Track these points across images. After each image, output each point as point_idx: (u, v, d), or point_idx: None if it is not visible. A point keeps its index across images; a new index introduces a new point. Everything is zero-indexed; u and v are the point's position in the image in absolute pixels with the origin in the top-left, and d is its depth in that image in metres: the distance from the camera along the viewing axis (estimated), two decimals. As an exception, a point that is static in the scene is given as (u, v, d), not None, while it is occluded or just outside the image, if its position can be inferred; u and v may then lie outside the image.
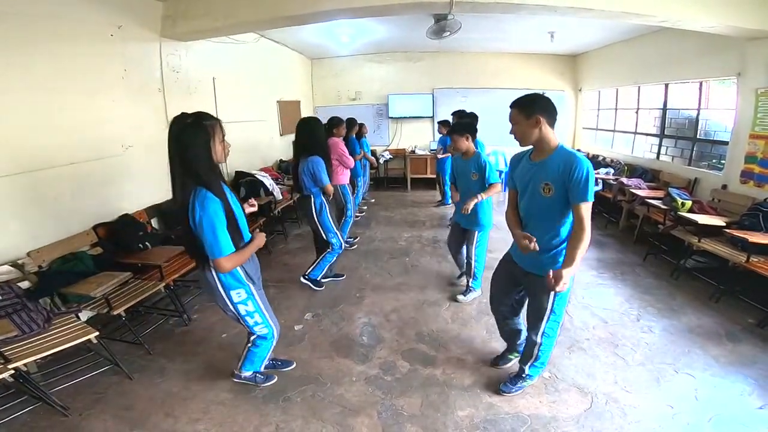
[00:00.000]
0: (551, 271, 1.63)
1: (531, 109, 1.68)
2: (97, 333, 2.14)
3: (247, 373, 2.20)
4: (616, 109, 6.11)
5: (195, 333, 2.84)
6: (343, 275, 3.69)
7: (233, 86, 4.70)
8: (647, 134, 5.33)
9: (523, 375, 2.13)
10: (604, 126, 6.57)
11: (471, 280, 3.19)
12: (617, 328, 2.79)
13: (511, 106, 1.75)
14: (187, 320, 2.96)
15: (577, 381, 2.23)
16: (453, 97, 7.17)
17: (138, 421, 2.00)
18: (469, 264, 3.15)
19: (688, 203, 3.61)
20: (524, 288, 2.00)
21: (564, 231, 1.73)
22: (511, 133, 1.77)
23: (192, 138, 1.56)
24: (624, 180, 4.68)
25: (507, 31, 5.52)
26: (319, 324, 2.93)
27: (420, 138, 7.61)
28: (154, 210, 3.48)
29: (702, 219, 3.32)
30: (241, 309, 1.85)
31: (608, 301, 3.20)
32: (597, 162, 6.10)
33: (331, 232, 3.31)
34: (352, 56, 7.29)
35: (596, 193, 5.22)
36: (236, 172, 4.50)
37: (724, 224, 3.28)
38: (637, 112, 5.51)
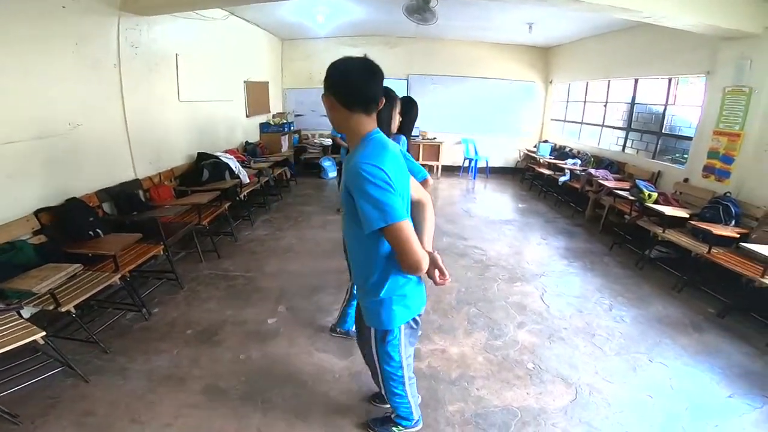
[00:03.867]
0: None
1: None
2: (43, 333, 1.89)
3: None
4: (585, 101, 6.31)
5: (156, 328, 2.62)
6: None
7: (198, 64, 4.35)
8: (614, 127, 5.57)
9: (393, 418, 1.79)
10: (573, 118, 6.78)
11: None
12: (592, 318, 2.90)
13: None
14: (147, 315, 2.72)
15: (560, 372, 2.30)
16: (427, 84, 7.11)
17: (101, 428, 1.81)
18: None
19: (654, 195, 3.81)
20: None
21: (379, 271, 1.28)
22: None
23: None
24: (592, 171, 4.88)
25: (488, 20, 5.49)
26: (294, 316, 2.80)
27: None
28: (107, 193, 3.13)
29: (668, 210, 3.52)
30: None
31: (580, 290, 3.33)
32: (564, 153, 6.32)
33: None
34: (326, 38, 7.03)
35: (566, 183, 5.60)
36: (198, 153, 4.17)
37: (688, 216, 3.50)
38: (605, 106, 5.72)
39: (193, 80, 4.21)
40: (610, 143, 5.65)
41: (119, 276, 2.48)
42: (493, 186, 7.15)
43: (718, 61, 3.75)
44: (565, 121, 6.98)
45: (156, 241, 2.95)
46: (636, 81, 5.07)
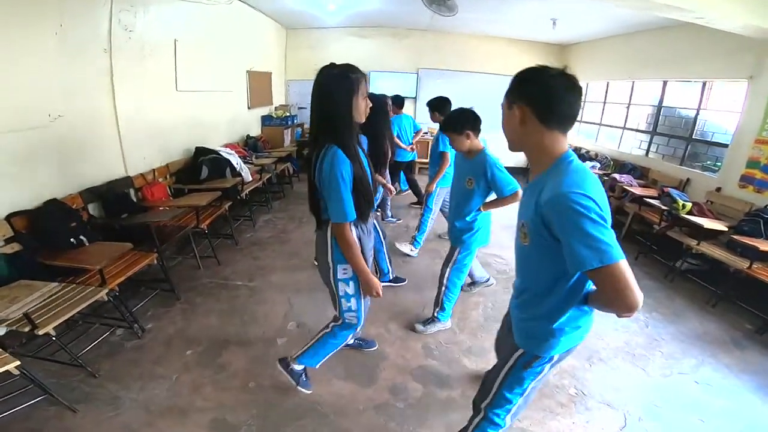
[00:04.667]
0: None
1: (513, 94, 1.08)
2: (17, 363, 1.62)
3: (299, 367, 1.97)
4: (604, 102, 6.12)
5: (151, 348, 2.36)
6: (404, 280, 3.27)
7: (198, 51, 4.05)
8: (637, 130, 5.38)
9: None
10: (589, 119, 6.60)
11: (437, 309, 2.61)
12: (629, 336, 2.73)
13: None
14: (140, 331, 2.46)
15: (604, 396, 2.14)
16: (439, 78, 6.85)
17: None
18: (439, 287, 2.57)
19: (689, 205, 3.63)
20: None
21: (556, 302, 1.13)
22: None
23: (335, 88, 1.49)
24: (616, 176, 4.68)
25: (506, 14, 5.25)
26: (307, 336, 2.53)
27: (402, 120, 7.25)
28: (93, 193, 2.83)
29: (706, 223, 3.33)
30: (341, 288, 1.73)
31: (614, 306, 3.14)
32: (581, 155, 6.12)
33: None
34: (333, 28, 6.76)
35: None
36: (196, 148, 3.86)
37: (726, 229, 3.32)
38: (628, 108, 5.53)
39: (192, 68, 3.91)
40: (632, 147, 5.47)
41: (106, 291, 2.20)
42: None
43: (764, 67, 3.57)
44: (581, 121, 6.78)
45: (149, 248, 2.68)
46: (665, 83, 4.88)
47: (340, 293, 1.73)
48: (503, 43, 6.93)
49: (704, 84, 4.35)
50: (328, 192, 1.49)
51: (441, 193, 3.61)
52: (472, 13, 5.20)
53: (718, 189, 3.93)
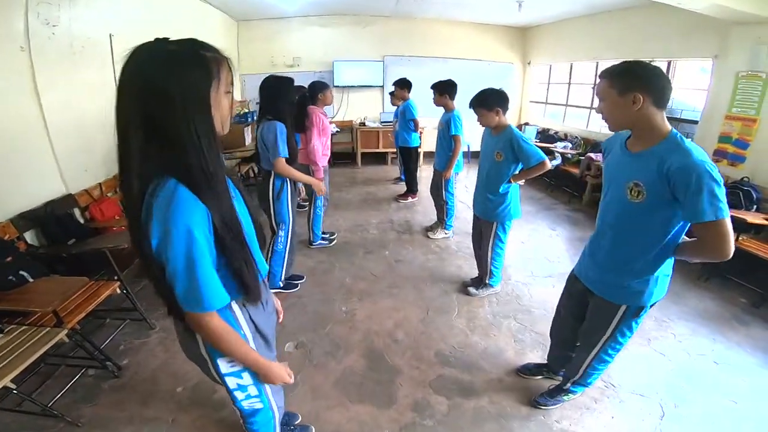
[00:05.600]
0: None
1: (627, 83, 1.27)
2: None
3: None
4: (569, 83, 6.25)
5: (135, 387, 2.06)
6: (303, 277, 3.13)
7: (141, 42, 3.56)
8: (605, 110, 5.51)
9: (565, 388, 1.94)
10: (555, 100, 6.73)
11: (488, 277, 2.89)
12: (638, 319, 2.74)
13: (601, 76, 1.36)
14: (116, 369, 2.13)
15: (634, 387, 2.11)
16: (405, 65, 6.70)
17: None
18: (484, 263, 2.85)
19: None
20: (588, 311, 1.70)
21: (655, 253, 1.39)
22: (598, 112, 1.40)
23: (175, 79, 0.81)
24: (591, 155, 4.78)
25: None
26: (308, 357, 2.31)
27: (370, 109, 7.10)
28: (28, 219, 2.39)
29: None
30: (231, 383, 1.13)
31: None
32: (551, 136, 6.24)
33: (284, 232, 2.75)
34: (291, 18, 6.40)
35: (559, 167, 5.50)
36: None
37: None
38: (594, 88, 5.65)
39: None
40: (601, 126, 5.61)
41: (65, 332, 1.85)
42: (477, 171, 6.93)
43: (729, 46, 3.73)
44: (546, 103, 6.92)
45: (108, 276, 2.31)
46: None
47: (231, 388, 1.14)
48: (467, 28, 6.90)
49: (669, 63, 4.52)
50: (171, 264, 0.82)
51: (457, 179, 3.81)
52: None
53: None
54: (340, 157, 7.10)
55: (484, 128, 2.60)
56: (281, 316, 1.33)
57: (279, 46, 6.59)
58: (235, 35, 6.48)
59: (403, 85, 4.61)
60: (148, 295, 2.83)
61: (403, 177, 5.40)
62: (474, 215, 2.86)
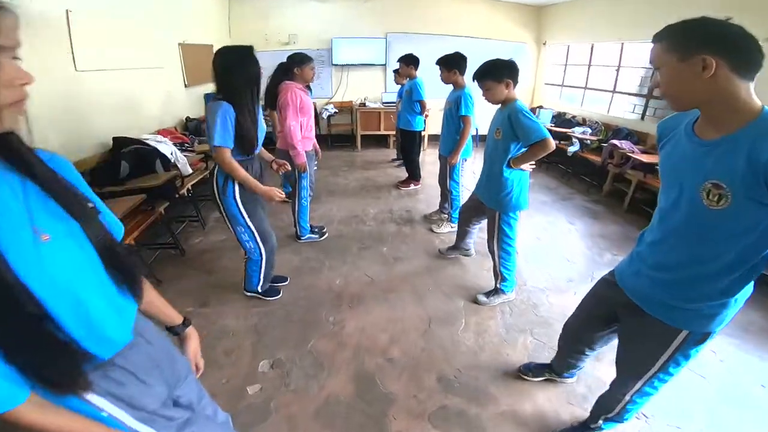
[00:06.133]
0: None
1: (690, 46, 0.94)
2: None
3: None
4: (589, 65, 5.75)
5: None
6: (286, 279, 2.75)
7: (105, 23, 3.16)
8: (630, 94, 5.04)
9: (593, 426, 1.63)
10: (572, 82, 6.25)
11: (499, 281, 2.54)
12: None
13: (652, 41, 1.03)
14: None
15: (670, 418, 1.77)
16: (408, 42, 6.21)
17: None
18: (493, 260, 2.52)
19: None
20: (622, 325, 1.41)
21: (743, 272, 1.05)
22: (654, 87, 1.10)
23: None
24: (615, 142, 4.33)
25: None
26: (285, 380, 1.96)
27: (371, 89, 6.67)
28: None
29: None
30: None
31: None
32: (568, 120, 5.77)
33: (243, 228, 2.20)
34: None
35: (577, 154, 5.09)
36: (114, 139, 3.01)
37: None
38: (618, 70, 5.17)
39: (98, 44, 3.05)
40: (625, 111, 5.14)
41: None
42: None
43: None
44: (563, 85, 6.41)
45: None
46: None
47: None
48: (478, 4, 6.43)
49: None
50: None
51: (464, 166, 3.43)
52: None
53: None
54: (339, 140, 6.75)
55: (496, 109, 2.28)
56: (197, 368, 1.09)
57: (274, 23, 6.18)
58: (226, 11, 6.04)
59: (410, 61, 4.14)
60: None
61: (400, 159, 5.01)
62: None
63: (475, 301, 2.57)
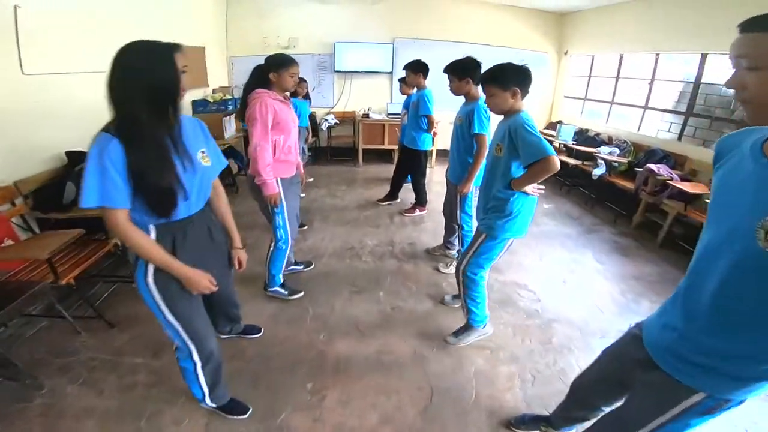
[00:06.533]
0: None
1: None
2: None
3: None
4: (617, 77, 5.29)
5: None
6: (259, 330, 2.30)
7: (62, 20, 2.77)
8: (666, 110, 4.55)
9: None
10: (596, 96, 5.80)
11: (468, 314, 2.24)
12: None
13: (745, 29, 0.76)
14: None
15: None
16: (418, 49, 5.85)
17: None
18: (459, 288, 2.23)
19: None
20: (636, 387, 1.16)
21: None
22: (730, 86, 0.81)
23: None
24: (653, 167, 3.83)
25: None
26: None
27: (375, 98, 6.25)
28: None
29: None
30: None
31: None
32: (591, 138, 5.28)
33: (164, 324, 1.43)
34: None
35: (603, 178, 4.53)
36: (68, 153, 2.61)
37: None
38: (651, 84, 4.70)
39: (52, 44, 2.66)
40: (658, 129, 4.65)
41: None
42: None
43: None
44: (585, 99, 5.95)
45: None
46: (704, 56, 4.04)
47: None
48: (493, 9, 6.03)
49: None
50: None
51: (477, 193, 2.82)
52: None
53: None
54: (339, 153, 6.35)
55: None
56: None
57: (273, 25, 5.82)
58: (224, 12, 5.71)
59: (418, 68, 3.65)
60: (48, 337, 2.18)
61: (392, 191, 4.50)
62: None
63: (446, 340, 2.30)
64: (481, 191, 2.08)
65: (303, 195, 3.43)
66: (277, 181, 2.23)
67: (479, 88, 2.59)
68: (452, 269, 3.03)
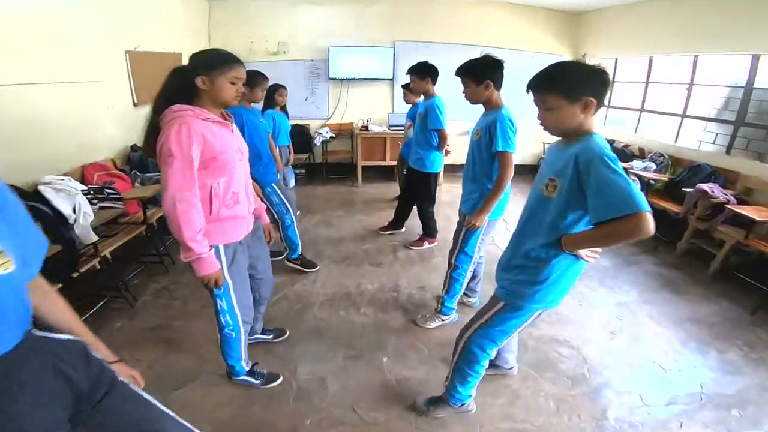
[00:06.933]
0: None
1: None
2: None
3: None
4: (647, 82, 4.80)
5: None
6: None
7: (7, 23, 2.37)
8: (710, 119, 4.03)
9: None
10: (622, 103, 5.30)
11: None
12: None
13: None
14: None
15: None
16: (421, 53, 5.36)
17: None
18: (453, 357, 1.72)
19: None
20: None
21: None
22: None
23: None
24: (705, 188, 3.28)
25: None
26: None
27: (375, 108, 5.78)
28: None
29: None
30: None
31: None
32: (620, 151, 4.73)
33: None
34: None
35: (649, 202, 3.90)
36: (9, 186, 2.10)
37: None
38: (689, 89, 4.19)
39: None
40: (700, 141, 4.12)
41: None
42: (515, 194, 5.40)
43: None
44: (609, 106, 5.45)
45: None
46: (756, 58, 3.54)
47: None
48: (503, 9, 5.58)
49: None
50: None
51: (489, 229, 2.27)
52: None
53: None
54: (336, 170, 5.84)
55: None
56: None
57: (260, 30, 5.40)
58: (205, 17, 5.28)
59: (425, 72, 3.06)
60: None
61: (398, 219, 3.89)
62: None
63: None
64: (510, 241, 1.49)
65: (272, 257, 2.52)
66: (218, 251, 1.52)
67: (500, 93, 2.08)
68: (431, 323, 2.48)
